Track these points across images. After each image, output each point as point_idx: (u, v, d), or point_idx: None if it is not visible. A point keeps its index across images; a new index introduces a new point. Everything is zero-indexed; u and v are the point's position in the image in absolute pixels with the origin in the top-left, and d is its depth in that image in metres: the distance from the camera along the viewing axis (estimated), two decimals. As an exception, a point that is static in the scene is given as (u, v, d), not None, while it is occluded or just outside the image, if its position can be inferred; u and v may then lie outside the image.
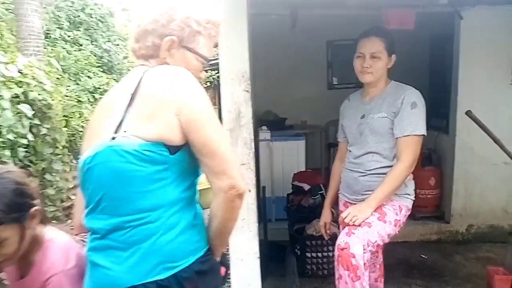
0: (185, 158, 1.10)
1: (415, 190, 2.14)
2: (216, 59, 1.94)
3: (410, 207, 2.08)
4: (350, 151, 2.17)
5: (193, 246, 1.12)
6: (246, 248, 2.07)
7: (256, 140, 3.78)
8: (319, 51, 5.46)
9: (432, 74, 4.90)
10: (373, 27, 2.08)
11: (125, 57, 7.58)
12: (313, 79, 5.52)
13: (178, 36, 1.17)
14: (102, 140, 1.08)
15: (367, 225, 1.89)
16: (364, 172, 2.07)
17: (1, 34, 4.44)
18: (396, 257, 3.37)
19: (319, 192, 3.42)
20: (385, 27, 3.23)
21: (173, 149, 1.07)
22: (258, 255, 2.09)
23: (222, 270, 1.30)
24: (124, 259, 1.06)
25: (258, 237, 2.11)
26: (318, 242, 3.06)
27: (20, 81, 2.40)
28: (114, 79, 6.36)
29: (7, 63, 2.36)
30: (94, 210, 1.10)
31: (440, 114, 3.83)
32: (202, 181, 1.37)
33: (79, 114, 4.38)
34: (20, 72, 2.43)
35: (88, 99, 5.52)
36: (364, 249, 1.82)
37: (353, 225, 1.89)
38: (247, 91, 1.97)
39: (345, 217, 1.92)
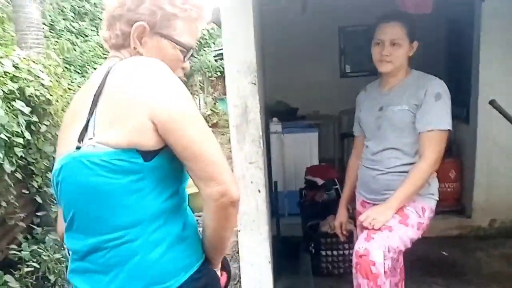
0: (164, 163, 0.94)
1: (438, 188, 1.97)
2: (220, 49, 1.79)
3: (434, 207, 1.92)
4: (367, 146, 2.01)
5: (184, 262, 0.98)
6: (257, 251, 1.94)
7: (267, 133, 3.65)
8: (331, 37, 5.29)
9: (449, 61, 4.68)
10: (393, 10, 1.91)
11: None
12: (325, 67, 5.37)
13: (149, 22, 0.99)
14: (67, 150, 0.93)
15: (387, 229, 1.74)
16: (383, 170, 1.91)
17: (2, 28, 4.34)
18: (415, 254, 3.18)
19: (334, 187, 3.27)
20: (402, 9, 3.06)
21: (148, 155, 0.91)
22: (269, 259, 1.96)
23: (223, 278, 1.17)
24: (105, 284, 0.93)
25: (270, 239, 1.97)
26: (334, 240, 2.92)
27: (16, 76, 2.28)
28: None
29: (1, 57, 2.24)
30: (70, 228, 0.97)
31: (459, 103, 3.63)
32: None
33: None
34: (16, 67, 2.31)
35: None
36: (385, 256, 1.67)
37: (373, 229, 1.74)
38: (254, 83, 1.82)
39: (364, 220, 1.77)
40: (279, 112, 4.65)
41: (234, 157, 1.88)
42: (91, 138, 0.89)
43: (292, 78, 5.25)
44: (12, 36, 4.34)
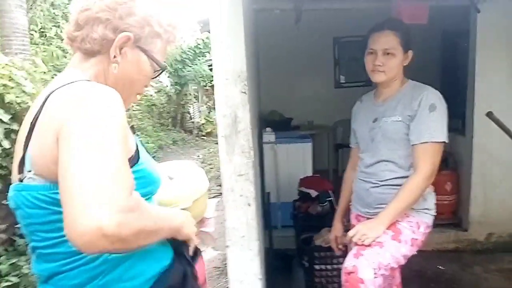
0: None
1: (435, 203, 1.90)
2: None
3: (431, 223, 1.84)
4: (361, 158, 1.95)
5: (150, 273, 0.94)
6: (246, 268, 1.85)
7: (260, 143, 3.58)
8: (325, 48, 5.28)
9: (445, 72, 4.66)
10: (387, 19, 1.85)
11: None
12: (320, 77, 5.35)
13: (136, 34, 0.96)
14: (14, 180, 0.89)
15: (378, 245, 1.66)
16: (376, 183, 1.84)
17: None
18: (412, 269, 3.09)
19: (328, 199, 3.19)
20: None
21: None
22: (259, 276, 1.87)
23: (199, 264, 1.11)
24: None
25: (261, 255, 1.89)
26: (328, 254, 2.81)
27: (-5, 83, 2.21)
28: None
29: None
30: (32, 253, 0.94)
31: (455, 115, 3.57)
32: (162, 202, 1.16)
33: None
34: (-7, 74, 2.23)
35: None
36: (375, 274, 1.60)
37: (362, 245, 1.66)
38: (245, 92, 1.75)
39: (353, 236, 1.70)
40: (273, 122, 4.59)
41: (222, 169, 1.80)
42: (30, 171, 0.85)
43: (287, 88, 5.23)
44: None
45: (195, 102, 12.66)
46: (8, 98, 2.27)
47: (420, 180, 1.71)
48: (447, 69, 4.39)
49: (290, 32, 4.25)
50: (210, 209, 1.37)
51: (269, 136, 3.64)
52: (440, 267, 3.21)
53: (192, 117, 12.14)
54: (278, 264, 3.16)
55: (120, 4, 0.94)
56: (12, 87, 2.33)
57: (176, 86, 10.55)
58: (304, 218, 3.21)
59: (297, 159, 3.82)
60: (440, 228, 3.53)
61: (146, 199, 0.93)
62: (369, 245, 1.66)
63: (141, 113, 7.69)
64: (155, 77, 1.06)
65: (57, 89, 0.87)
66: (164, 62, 1.07)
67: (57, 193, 0.79)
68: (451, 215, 3.64)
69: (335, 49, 5.38)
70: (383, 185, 1.83)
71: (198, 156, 8.91)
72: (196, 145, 10.67)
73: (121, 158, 0.79)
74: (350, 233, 1.74)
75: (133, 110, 6.63)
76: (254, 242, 1.84)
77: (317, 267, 2.88)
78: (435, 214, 1.87)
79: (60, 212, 0.78)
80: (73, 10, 0.97)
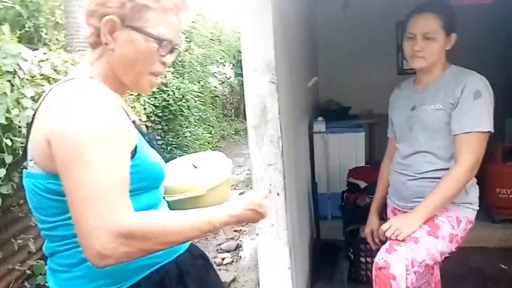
0: None
1: (479, 197, 1.77)
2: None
3: (472, 218, 1.72)
4: (398, 149, 1.86)
5: (141, 263, 0.97)
6: (276, 257, 1.87)
7: (311, 133, 3.54)
8: (388, 32, 5.04)
9: (510, 62, 4.23)
10: (429, 1, 1.73)
11: (186, 50, 7.56)
12: (382, 63, 5.12)
13: (119, 15, 0.93)
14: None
15: (413, 241, 1.59)
16: (413, 176, 1.75)
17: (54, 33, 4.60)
18: (469, 266, 2.95)
19: (376, 190, 3.08)
20: (455, 1, 2.81)
21: None
22: (289, 265, 1.88)
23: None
24: (65, 280, 0.98)
25: (290, 244, 1.89)
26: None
27: (53, 79, 2.40)
28: (173, 73, 6.38)
29: (42, 60, 2.37)
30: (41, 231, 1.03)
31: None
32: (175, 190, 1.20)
33: (132, 107, 4.43)
34: (54, 69, 2.43)
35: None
36: (407, 270, 1.53)
37: (396, 239, 1.59)
38: (273, 82, 1.75)
39: (386, 230, 1.63)
40: (330, 111, 4.51)
41: (252, 158, 1.82)
42: (32, 160, 0.93)
43: (346, 76, 5.08)
44: (58, 40, 4.60)
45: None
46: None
47: (462, 172, 1.60)
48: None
49: (349, 17, 4.13)
50: (232, 199, 1.39)
51: (319, 125, 3.58)
52: (502, 265, 2.98)
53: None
54: (324, 255, 3.13)
55: None
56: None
57: (239, 77, 10.68)
58: (351, 209, 3.14)
59: (349, 149, 3.73)
60: (505, 223, 3.29)
61: (141, 193, 0.98)
62: (403, 240, 1.59)
63: (203, 104, 7.90)
64: (167, 52, 1.00)
65: (57, 85, 0.95)
66: (178, 35, 1.01)
67: (52, 183, 0.90)
68: (516, 210, 3.35)
69: (398, 33, 5.12)
70: (421, 178, 1.73)
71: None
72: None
73: (115, 172, 0.85)
74: (384, 227, 1.68)
75: (194, 101, 6.84)
76: (283, 231, 1.84)
77: (362, 259, 2.81)
78: (478, 208, 1.74)
79: (54, 200, 0.91)
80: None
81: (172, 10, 0.98)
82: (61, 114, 0.84)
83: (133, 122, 0.99)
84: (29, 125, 0.97)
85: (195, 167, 1.47)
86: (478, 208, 1.74)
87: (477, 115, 1.59)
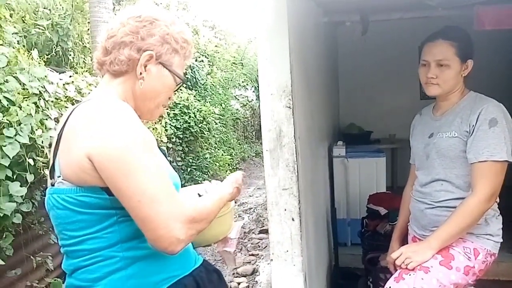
0: None
1: (503, 228, 1.70)
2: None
3: (494, 251, 1.65)
4: (417, 177, 1.82)
5: (161, 276, 1.05)
6: (289, 283, 1.83)
7: (330, 157, 3.51)
8: (410, 57, 5.00)
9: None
10: (443, 28, 1.72)
11: (208, 73, 7.74)
12: (404, 88, 5.08)
13: (157, 52, 1.10)
14: (48, 185, 1.06)
15: (423, 270, 1.54)
16: (431, 204, 1.71)
17: (81, 56, 4.78)
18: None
19: (398, 218, 3.01)
20: (477, 27, 2.78)
21: (109, 189, 0.96)
22: (303, 293, 1.84)
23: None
24: None
25: (305, 272, 1.85)
26: (393, 276, 2.66)
27: (77, 101, 2.47)
28: (195, 96, 6.51)
29: (67, 83, 2.46)
30: (62, 251, 1.08)
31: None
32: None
33: (153, 129, 4.51)
34: (79, 92, 2.51)
35: (168, 114, 5.70)
36: None
37: (406, 268, 1.55)
38: (289, 107, 1.75)
39: (396, 258, 1.59)
40: (351, 136, 4.48)
41: (267, 182, 1.81)
42: (59, 176, 0.99)
43: (367, 101, 5.07)
44: (85, 63, 4.77)
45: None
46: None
47: (477, 202, 1.55)
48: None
49: (370, 42, 4.14)
50: (234, 230, 1.40)
51: (339, 150, 3.55)
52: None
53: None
54: (343, 283, 3.05)
55: (140, 28, 1.07)
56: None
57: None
58: (371, 236, 3.06)
59: (369, 174, 3.66)
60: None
61: None
62: (412, 269, 1.54)
63: (224, 126, 7.99)
64: (177, 89, 1.20)
65: (80, 105, 1.03)
66: (184, 74, 1.20)
67: (83, 195, 0.96)
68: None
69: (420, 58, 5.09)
70: (438, 207, 1.69)
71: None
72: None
73: (165, 176, 0.99)
74: (394, 255, 1.63)
75: (215, 124, 6.92)
76: (298, 257, 1.81)
77: (382, 289, 2.73)
78: (501, 240, 1.67)
79: (85, 213, 0.97)
80: (100, 39, 1.12)
81: (187, 58, 1.19)
82: (102, 131, 0.94)
83: None
84: (56, 144, 1.02)
85: (200, 195, 1.48)
86: (501, 240, 1.67)
87: (493, 143, 1.55)
